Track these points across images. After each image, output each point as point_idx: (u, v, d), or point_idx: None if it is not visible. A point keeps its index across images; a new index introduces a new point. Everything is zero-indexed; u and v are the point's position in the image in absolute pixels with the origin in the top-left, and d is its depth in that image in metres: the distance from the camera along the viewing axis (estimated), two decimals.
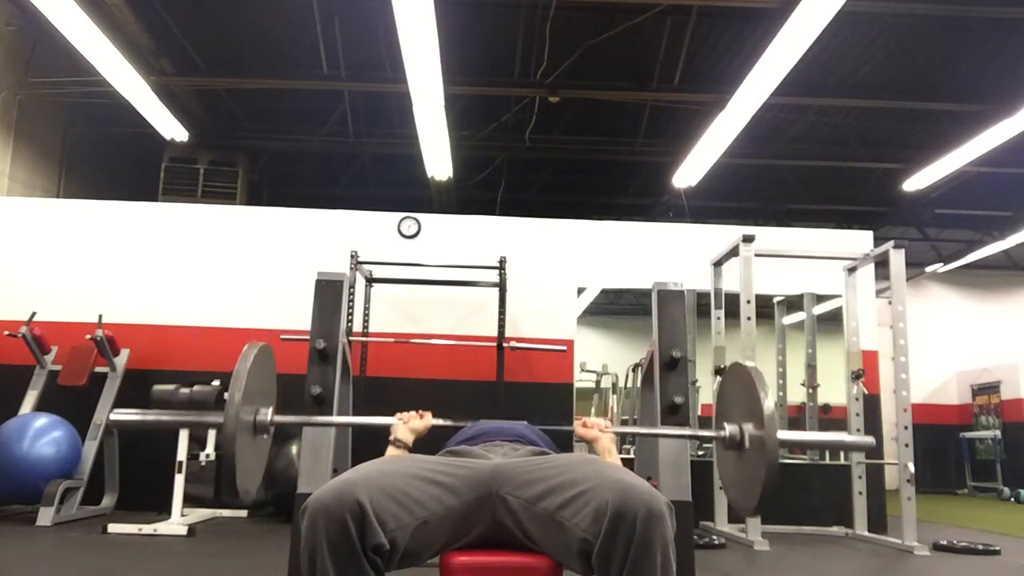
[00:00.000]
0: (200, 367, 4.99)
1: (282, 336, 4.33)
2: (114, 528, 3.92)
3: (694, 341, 5.63)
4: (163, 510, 4.22)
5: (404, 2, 4.11)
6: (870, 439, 1.98)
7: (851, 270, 4.98)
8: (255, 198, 7.90)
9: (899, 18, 5.71)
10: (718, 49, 6.32)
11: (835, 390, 5.31)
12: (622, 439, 4.52)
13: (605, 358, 6.71)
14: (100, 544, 3.64)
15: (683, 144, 6.97)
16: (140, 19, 5.57)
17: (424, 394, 4.96)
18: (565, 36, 5.90)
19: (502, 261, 5.01)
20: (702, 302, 5.33)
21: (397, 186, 8.76)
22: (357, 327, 5.12)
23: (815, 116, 7.34)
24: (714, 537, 4.30)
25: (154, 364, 5.13)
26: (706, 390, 5.72)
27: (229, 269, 5.47)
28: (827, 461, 5.51)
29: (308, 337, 2.44)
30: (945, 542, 4.32)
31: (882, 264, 4.68)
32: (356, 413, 2.88)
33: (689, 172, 6.98)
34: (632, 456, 2.80)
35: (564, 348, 5.03)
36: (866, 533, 4.63)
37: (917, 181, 7.31)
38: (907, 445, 4.20)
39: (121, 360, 4.93)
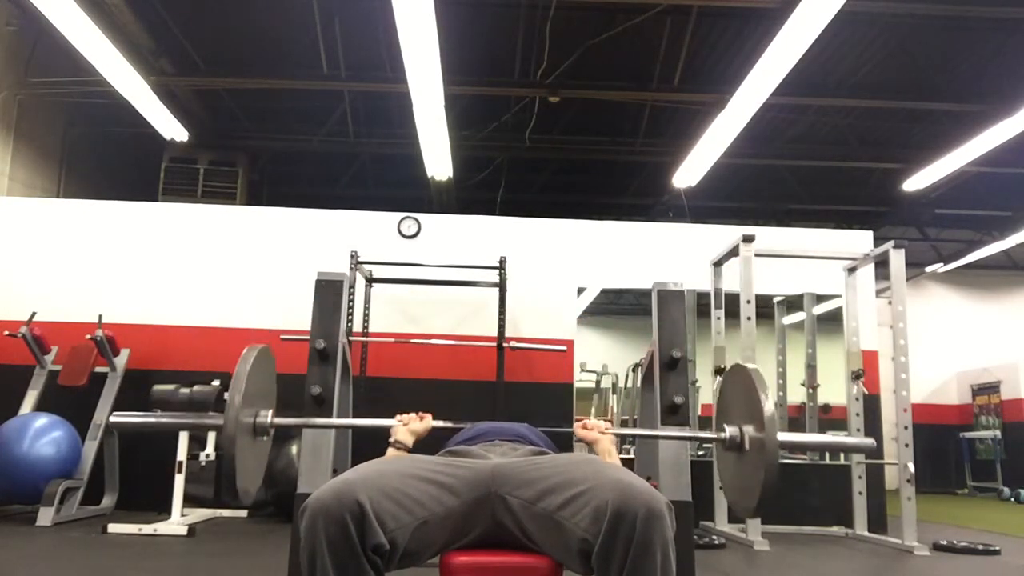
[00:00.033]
0: (200, 367, 4.99)
1: (282, 336, 4.34)
2: (114, 528, 3.92)
3: (694, 341, 5.63)
4: (163, 510, 4.22)
5: (404, 2, 4.11)
6: (871, 441, 1.98)
7: (851, 270, 4.98)
8: (255, 198, 7.90)
9: (899, 18, 5.71)
10: (718, 49, 6.32)
11: (835, 390, 5.31)
12: (622, 440, 4.52)
13: (605, 358, 6.71)
14: (100, 544, 3.64)
15: (683, 144, 6.97)
16: (140, 19, 5.57)
17: (424, 394, 4.96)
18: (565, 36, 5.90)
19: (502, 261, 5.01)
20: (702, 302, 5.33)
21: (397, 186, 8.76)
22: (357, 327, 5.12)
23: (815, 116, 7.34)
24: (714, 537, 4.30)
25: (154, 364, 5.13)
26: (706, 390, 5.72)
27: (229, 269, 5.47)
28: (827, 461, 5.51)
29: (308, 337, 2.44)
30: (945, 542, 4.32)
31: (882, 264, 4.68)
32: (356, 413, 2.88)
33: (689, 172, 6.98)
34: (632, 456, 2.80)
35: (564, 348, 5.03)
36: (866, 533, 4.63)
37: (917, 181, 7.31)
38: (907, 445, 4.20)
39: (121, 360, 4.94)
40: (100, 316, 4.79)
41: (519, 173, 8.41)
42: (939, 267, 10.59)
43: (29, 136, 6.55)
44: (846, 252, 5.09)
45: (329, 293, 2.51)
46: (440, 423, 2.01)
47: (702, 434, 2.17)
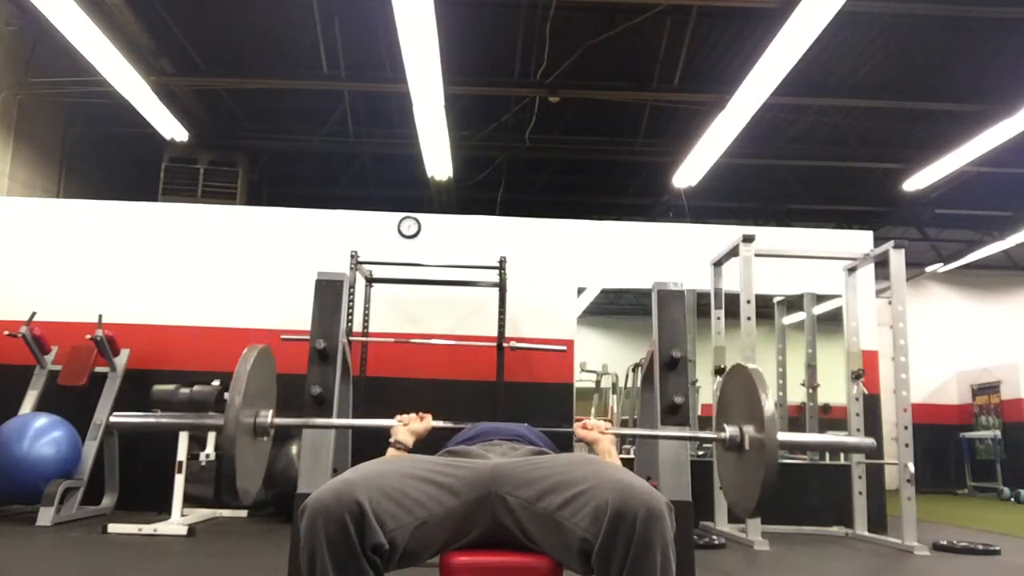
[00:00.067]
0: (200, 367, 4.99)
1: (282, 336, 4.34)
2: (114, 528, 3.92)
3: (694, 341, 5.63)
4: (163, 510, 4.22)
5: (404, 2, 4.11)
6: (871, 441, 1.98)
7: (851, 270, 4.98)
8: (255, 198, 7.90)
9: (899, 18, 5.71)
10: (718, 49, 6.32)
11: (835, 390, 5.31)
12: (622, 439, 4.52)
13: (605, 358, 6.71)
14: (100, 544, 3.65)
15: (683, 144, 6.97)
16: (140, 19, 5.57)
17: (424, 394, 4.96)
18: (565, 36, 5.90)
19: (502, 261, 5.01)
20: (702, 302, 5.33)
21: (397, 186, 8.76)
22: (357, 327, 5.12)
23: (815, 116, 7.34)
24: (714, 537, 4.30)
25: (154, 364, 5.13)
26: (706, 390, 5.72)
27: (229, 269, 5.47)
28: (827, 461, 5.51)
29: (308, 337, 2.44)
30: (945, 542, 4.32)
31: (882, 264, 4.68)
32: (356, 413, 2.88)
33: (689, 172, 6.98)
34: (632, 456, 2.80)
35: (564, 348, 5.04)
36: (866, 533, 4.63)
37: (917, 181, 7.31)
38: (907, 445, 4.20)
39: (121, 360, 4.94)
40: (100, 316, 4.79)
41: (519, 173, 8.41)
42: (939, 267, 10.59)
43: (29, 136, 6.55)
44: (846, 252, 5.09)
45: (329, 293, 2.51)
46: (440, 423, 2.01)
47: (702, 434, 2.17)
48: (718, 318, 4.91)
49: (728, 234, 5.19)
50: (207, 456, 4.42)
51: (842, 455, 5.20)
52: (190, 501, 4.61)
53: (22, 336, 4.66)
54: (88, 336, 4.70)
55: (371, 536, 1.32)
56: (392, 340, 5.09)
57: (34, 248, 5.42)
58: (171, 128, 6.39)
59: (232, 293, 5.41)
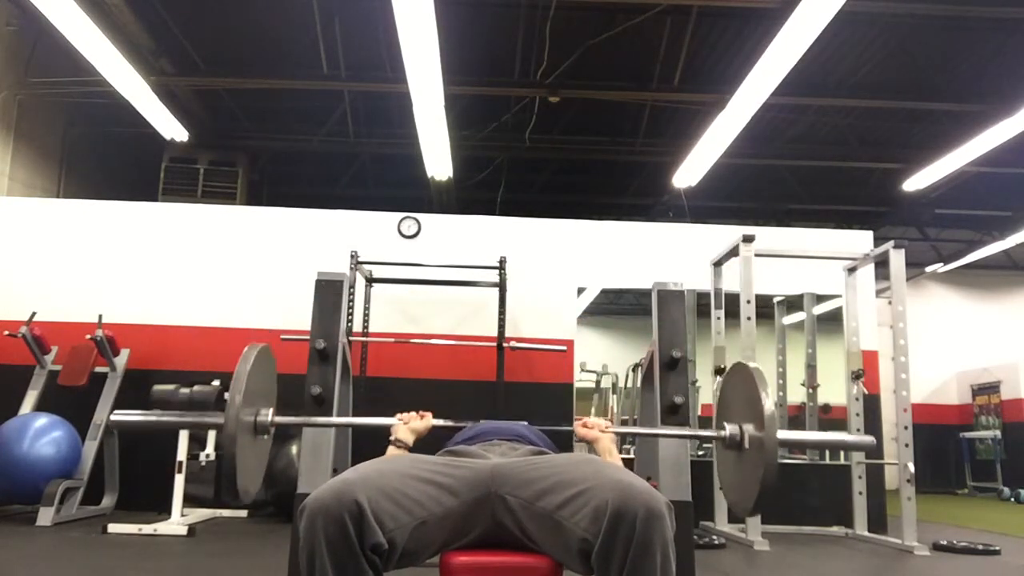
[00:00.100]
0: (200, 367, 4.99)
1: (282, 336, 4.34)
2: (114, 528, 3.92)
3: (694, 341, 5.63)
4: (163, 510, 4.22)
5: (404, 2, 4.11)
6: (870, 439, 1.98)
7: (851, 270, 4.98)
8: (255, 198, 7.90)
9: (899, 18, 5.71)
10: (718, 49, 6.32)
11: (835, 390, 5.31)
12: (622, 439, 4.51)
13: (605, 358, 6.71)
14: (100, 544, 3.64)
15: (683, 144, 6.97)
16: (140, 19, 5.57)
17: (424, 394, 4.96)
18: (565, 36, 5.90)
19: (502, 261, 5.01)
20: (702, 302, 5.33)
21: (397, 186, 8.76)
22: (357, 327, 5.12)
23: (815, 116, 7.34)
24: (714, 537, 4.30)
25: (154, 364, 5.13)
26: (706, 390, 5.72)
27: (229, 269, 5.47)
28: (827, 461, 5.51)
29: (308, 337, 2.44)
30: (945, 542, 4.32)
31: (882, 264, 4.68)
32: (356, 413, 2.88)
33: (689, 172, 6.98)
34: (632, 456, 2.80)
35: (564, 348, 5.04)
36: (866, 533, 4.63)
37: (917, 181, 7.31)
38: (907, 445, 4.20)
39: (121, 360, 4.94)
40: (100, 316, 4.79)
41: (519, 173, 8.41)
42: (939, 267, 10.59)
43: (29, 136, 6.55)
44: (846, 252, 5.09)
45: (329, 293, 2.51)
46: (440, 422, 2.01)
47: (702, 432, 2.17)
48: (718, 318, 4.91)
49: (728, 234, 5.19)
50: (207, 456, 4.42)
51: (842, 455, 5.20)
52: (190, 501, 4.61)
53: (22, 336, 4.66)
54: (88, 336, 4.70)
55: (370, 536, 1.32)
56: (392, 340, 5.09)
57: (34, 248, 5.42)
58: (171, 128, 6.39)
59: (232, 293, 5.41)
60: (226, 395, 1.70)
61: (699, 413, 5.96)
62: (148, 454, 4.67)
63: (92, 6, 4.87)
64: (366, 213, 5.65)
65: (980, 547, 4.23)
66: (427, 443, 1.94)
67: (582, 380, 5.96)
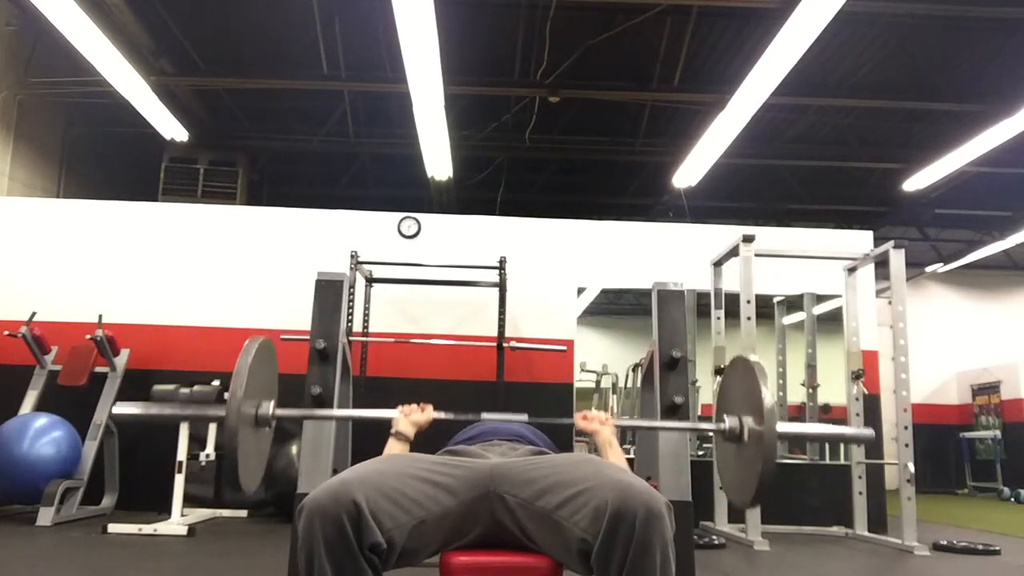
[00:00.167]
0: (200, 367, 4.99)
1: (282, 336, 4.32)
2: (114, 528, 3.92)
3: (694, 341, 5.63)
4: (163, 510, 4.21)
5: (404, 2, 4.11)
6: (869, 431, 1.99)
7: (851, 270, 4.98)
8: (255, 198, 7.90)
9: (899, 18, 5.70)
10: (718, 49, 6.32)
11: (835, 390, 5.31)
12: (622, 436, 4.51)
13: (605, 358, 6.72)
14: (100, 544, 3.64)
15: (683, 144, 6.97)
16: (140, 19, 5.57)
17: (424, 394, 4.90)
18: (565, 36, 5.90)
19: (502, 261, 5.01)
20: (702, 302, 5.33)
21: (397, 186, 8.76)
22: (357, 327, 5.12)
23: (815, 116, 7.34)
24: (714, 537, 4.30)
25: (154, 364, 5.13)
26: (706, 390, 5.72)
27: (229, 269, 5.47)
28: (827, 461, 5.51)
29: (308, 337, 2.44)
30: (945, 542, 4.32)
31: (882, 264, 4.68)
32: None
33: (689, 172, 6.98)
34: (632, 456, 2.80)
35: (564, 348, 5.03)
36: (866, 533, 4.63)
37: (917, 181, 7.31)
38: (907, 445, 4.20)
39: (121, 360, 4.93)
40: (100, 316, 4.79)
41: (519, 173, 8.41)
42: (939, 267, 10.59)
43: (29, 136, 6.55)
44: (846, 252, 5.09)
45: (329, 293, 2.50)
46: (441, 414, 2.01)
47: (702, 425, 2.17)
48: (718, 318, 4.91)
49: (728, 234, 5.19)
50: (207, 456, 4.42)
51: (842, 455, 5.20)
52: (190, 501, 4.62)
53: (22, 336, 4.66)
54: (88, 336, 4.70)
55: (368, 535, 1.32)
56: (392, 340, 5.09)
57: (34, 248, 5.42)
58: (171, 128, 6.39)
59: (232, 293, 5.41)
60: (226, 395, 1.70)
61: (699, 413, 5.97)
62: (148, 454, 4.67)
63: (92, 6, 4.87)
64: (366, 213, 5.65)
65: (980, 547, 4.23)
66: (427, 443, 1.94)
67: (582, 380, 5.96)
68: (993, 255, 9.90)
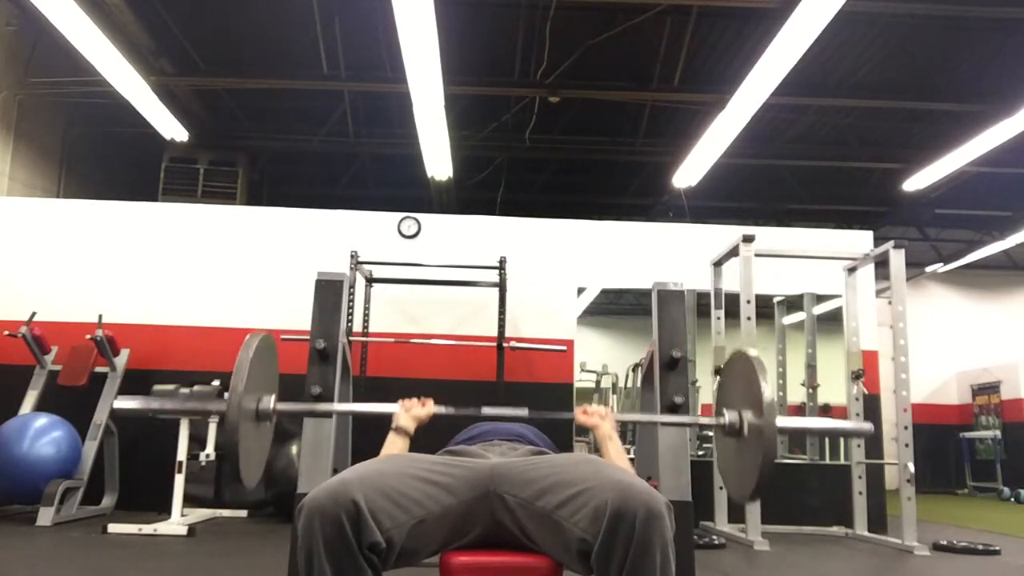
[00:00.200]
0: (200, 367, 4.99)
1: (282, 336, 4.31)
2: (114, 528, 3.92)
3: (694, 341, 5.63)
4: (163, 510, 4.21)
5: (404, 2, 4.11)
6: (868, 425, 1.99)
7: (851, 270, 4.98)
8: (255, 198, 7.90)
9: (899, 18, 5.71)
10: (718, 49, 6.32)
11: (835, 390, 5.31)
12: (622, 434, 4.51)
13: (605, 358, 6.72)
14: (100, 544, 3.64)
15: (683, 144, 6.97)
16: (140, 19, 5.57)
17: (424, 394, 4.94)
18: (565, 36, 5.90)
19: (502, 261, 5.01)
20: (702, 302, 5.33)
21: (397, 186, 8.76)
22: (357, 327, 5.12)
23: (815, 116, 7.34)
24: (714, 537, 4.30)
25: (154, 364, 5.13)
26: (706, 390, 5.72)
27: (229, 269, 5.47)
28: (827, 461, 5.51)
29: (308, 337, 2.44)
30: (945, 542, 4.32)
31: (882, 264, 4.68)
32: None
33: (689, 172, 6.98)
34: (632, 456, 2.80)
35: (564, 348, 5.03)
36: (866, 533, 4.63)
37: (917, 181, 7.31)
38: (907, 445, 4.20)
39: (121, 360, 4.93)
40: (100, 316, 4.79)
41: (519, 173, 8.41)
42: (939, 267, 10.59)
43: (29, 136, 6.55)
44: (846, 252, 5.09)
45: (329, 293, 2.50)
46: (442, 409, 2.01)
47: (702, 419, 2.17)
48: (718, 318, 4.91)
49: (728, 234, 5.19)
50: (207, 456, 4.41)
51: (842, 455, 5.20)
52: (190, 501, 4.61)
53: (22, 336, 4.66)
54: (88, 336, 4.70)
55: (368, 535, 1.32)
56: (392, 340, 5.09)
57: (34, 248, 5.42)
58: (171, 128, 6.39)
59: (232, 293, 5.41)
60: (226, 395, 1.70)
61: (699, 413, 5.97)
62: (148, 454, 4.67)
63: (92, 6, 4.87)
64: (366, 213, 5.65)
65: (980, 547, 4.23)
66: (428, 441, 1.94)
67: (582, 380, 5.96)
68: (993, 255, 9.90)
